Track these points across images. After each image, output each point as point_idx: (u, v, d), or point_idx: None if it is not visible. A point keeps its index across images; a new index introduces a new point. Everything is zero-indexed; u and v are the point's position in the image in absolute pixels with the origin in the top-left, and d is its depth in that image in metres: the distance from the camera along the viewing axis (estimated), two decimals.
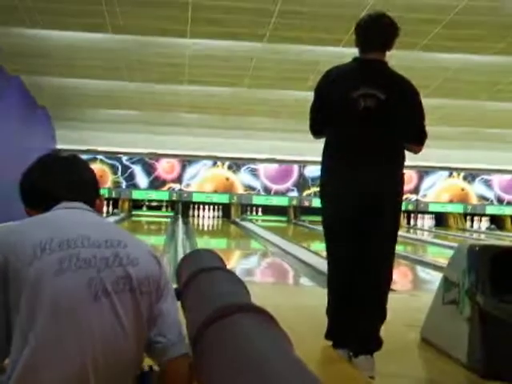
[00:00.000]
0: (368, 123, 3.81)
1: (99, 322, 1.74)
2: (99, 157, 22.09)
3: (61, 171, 2.04)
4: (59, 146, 20.32)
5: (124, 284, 1.81)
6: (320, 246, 13.19)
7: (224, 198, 22.55)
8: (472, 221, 23.79)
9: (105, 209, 22.07)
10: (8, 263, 1.73)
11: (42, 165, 2.07)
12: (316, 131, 4.06)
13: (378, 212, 3.81)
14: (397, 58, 12.14)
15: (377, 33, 3.95)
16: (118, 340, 1.78)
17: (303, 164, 22.45)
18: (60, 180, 2.02)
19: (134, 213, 22.34)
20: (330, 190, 3.92)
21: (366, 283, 3.82)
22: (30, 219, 1.90)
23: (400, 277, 10.44)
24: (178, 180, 22.59)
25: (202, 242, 13.63)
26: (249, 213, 23.01)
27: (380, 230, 3.84)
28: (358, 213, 3.79)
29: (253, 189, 22.71)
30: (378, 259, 3.84)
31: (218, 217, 22.74)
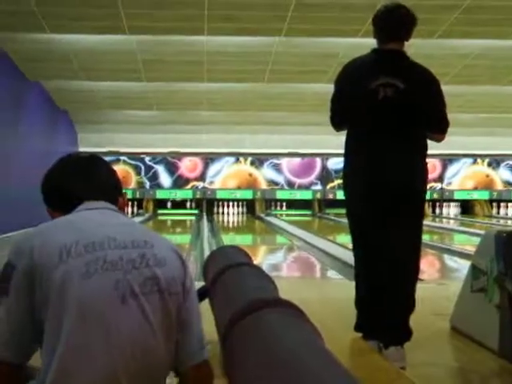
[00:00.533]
0: (388, 113, 3.80)
1: (128, 324, 1.73)
2: (122, 158, 22.20)
3: (82, 171, 2.03)
4: (81, 149, 20.45)
5: (152, 285, 1.79)
6: (346, 239, 13.14)
7: (248, 194, 22.57)
8: (498, 207, 23.59)
9: (129, 209, 22.20)
10: (34, 266, 1.73)
11: (62, 165, 2.06)
12: (337, 123, 4.02)
13: (404, 200, 3.79)
14: (415, 47, 12.06)
15: (394, 23, 3.94)
16: (148, 341, 1.77)
17: (326, 157, 22.39)
18: (82, 180, 2.01)
19: (158, 212, 22.41)
20: (353, 180, 3.91)
21: (394, 272, 3.79)
22: (55, 222, 1.89)
23: (427, 266, 10.38)
24: (201, 178, 22.64)
25: (228, 239, 13.65)
26: (273, 208, 23.00)
27: (407, 218, 3.82)
28: (384, 202, 3.78)
29: (276, 184, 22.70)
30: (406, 248, 3.82)
31: (243, 213, 22.76)
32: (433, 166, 23.02)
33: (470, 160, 23.19)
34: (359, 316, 4.04)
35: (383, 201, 3.79)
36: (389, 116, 3.81)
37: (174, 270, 1.87)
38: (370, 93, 3.80)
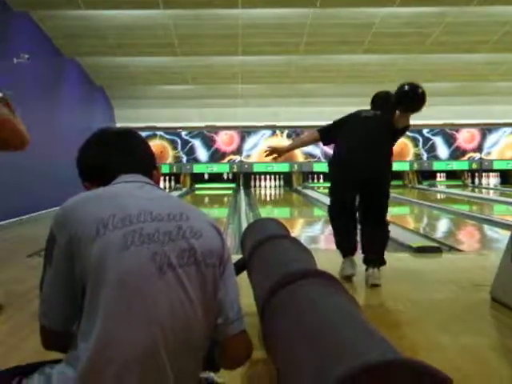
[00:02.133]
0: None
1: (166, 295, 1.75)
2: (159, 133, 22.29)
3: (116, 144, 2.06)
4: (118, 124, 20.59)
5: (189, 257, 1.80)
6: None
7: (285, 167, 22.54)
8: None
9: (167, 184, 22.32)
10: (72, 239, 1.76)
11: (97, 139, 2.09)
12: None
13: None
14: (454, 15, 11.87)
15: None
16: (187, 313, 1.78)
17: None
18: (116, 153, 2.03)
19: (196, 186, 22.50)
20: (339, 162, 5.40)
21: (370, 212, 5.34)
22: (90, 195, 1.90)
23: (467, 237, 10.30)
24: (238, 151, 22.66)
25: (265, 212, 13.67)
26: (310, 180, 22.96)
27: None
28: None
29: (313, 156, 22.63)
30: (379, 200, 5.33)
31: (280, 186, 22.75)
32: (471, 135, 22.72)
33: (510, 129, 22.84)
34: (338, 243, 5.52)
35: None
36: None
37: (211, 242, 1.88)
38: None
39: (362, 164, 5.22)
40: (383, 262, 5.37)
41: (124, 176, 1.98)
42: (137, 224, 1.78)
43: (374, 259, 5.33)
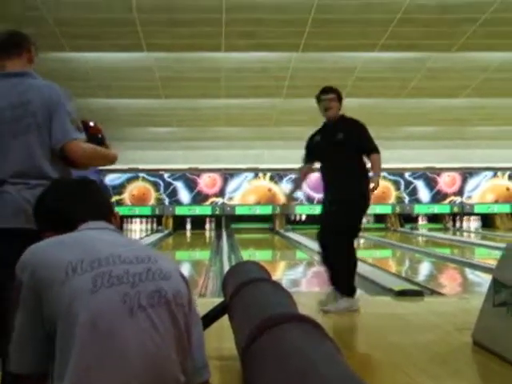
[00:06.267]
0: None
1: (138, 336, 1.75)
2: (141, 175, 22.28)
3: (76, 193, 2.12)
4: (101, 167, 20.52)
5: (159, 297, 1.82)
6: (365, 253, 13.11)
7: (267, 210, 22.55)
8: None
9: (149, 226, 22.23)
10: (40, 282, 1.76)
11: (57, 189, 2.16)
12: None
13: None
14: (434, 60, 12.07)
15: None
16: (160, 352, 1.78)
17: None
18: (77, 202, 2.08)
19: (178, 229, 22.41)
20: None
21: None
22: (59, 239, 1.92)
23: (449, 280, 10.31)
24: (221, 194, 22.67)
25: (247, 255, 13.63)
26: (293, 223, 22.94)
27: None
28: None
29: (295, 199, 22.67)
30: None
31: (262, 228, 22.72)
32: (453, 179, 22.89)
33: (491, 173, 23.04)
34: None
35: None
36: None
37: (179, 285, 1.91)
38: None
39: None
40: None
41: (87, 223, 2.02)
42: (106, 267, 1.80)
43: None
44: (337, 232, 5.60)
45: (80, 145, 3.03)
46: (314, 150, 6.20)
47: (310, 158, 6.34)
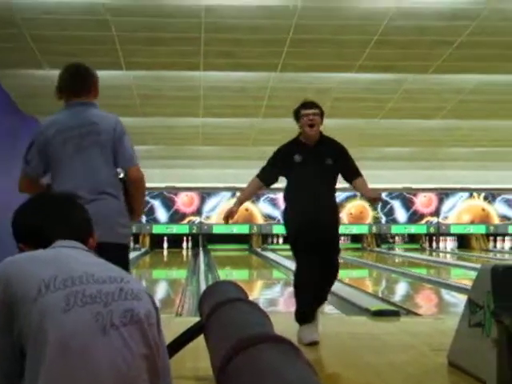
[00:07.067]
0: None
1: (110, 355, 1.74)
2: None
3: (53, 210, 2.09)
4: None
5: (131, 316, 1.81)
6: (342, 273, 13.11)
7: (244, 229, 22.54)
8: (495, 241, 23.58)
9: None
10: (11, 298, 1.75)
11: (35, 203, 2.13)
12: None
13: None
14: (410, 82, 12.17)
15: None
16: (131, 372, 1.77)
17: None
18: (53, 219, 2.06)
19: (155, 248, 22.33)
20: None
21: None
22: (32, 254, 1.91)
23: (425, 301, 10.35)
24: (198, 212, 22.63)
25: (224, 274, 13.60)
26: (270, 242, 22.95)
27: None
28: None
29: (272, 218, 22.68)
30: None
31: (239, 248, 22.71)
32: (429, 200, 23.05)
33: (466, 194, 23.24)
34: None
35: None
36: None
37: (149, 306, 1.91)
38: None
39: None
40: None
41: (60, 242, 2.00)
42: (79, 285, 1.79)
43: None
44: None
45: (141, 171, 3.71)
46: (293, 172, 5.59)
47: (274, 177, 5.87)
